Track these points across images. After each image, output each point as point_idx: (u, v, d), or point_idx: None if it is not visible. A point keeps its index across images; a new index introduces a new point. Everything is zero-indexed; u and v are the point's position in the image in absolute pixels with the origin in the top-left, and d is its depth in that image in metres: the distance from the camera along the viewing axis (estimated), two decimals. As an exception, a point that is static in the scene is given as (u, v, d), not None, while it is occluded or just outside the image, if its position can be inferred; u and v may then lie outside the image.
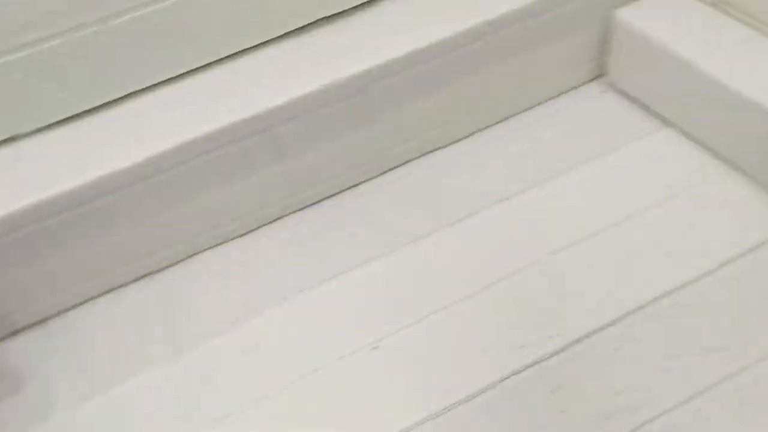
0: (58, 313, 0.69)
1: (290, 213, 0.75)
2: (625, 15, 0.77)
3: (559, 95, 0.84)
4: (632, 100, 0.81)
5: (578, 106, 0.82)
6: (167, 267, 0.71)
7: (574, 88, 0.85)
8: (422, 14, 0.73)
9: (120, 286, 0.70)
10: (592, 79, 0.85)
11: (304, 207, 0.75)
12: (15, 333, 0.68)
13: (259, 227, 0.74)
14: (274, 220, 0.74)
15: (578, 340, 0.59)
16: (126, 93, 0.68)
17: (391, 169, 0.78)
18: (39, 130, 0.67)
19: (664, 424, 0.53)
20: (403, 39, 0.70)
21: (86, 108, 0.68)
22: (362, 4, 0.74)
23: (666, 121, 0.77)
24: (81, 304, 0.70)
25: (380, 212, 0.73)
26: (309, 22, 0.73)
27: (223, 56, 0.71)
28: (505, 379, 0.57)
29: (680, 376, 0.56)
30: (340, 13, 0.73)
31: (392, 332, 0.61)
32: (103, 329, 0.67)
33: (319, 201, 0.76)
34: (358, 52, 0.69)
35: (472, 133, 0.81)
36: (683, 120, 0.75)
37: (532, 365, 0.58)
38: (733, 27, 0.73)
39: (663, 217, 0.68)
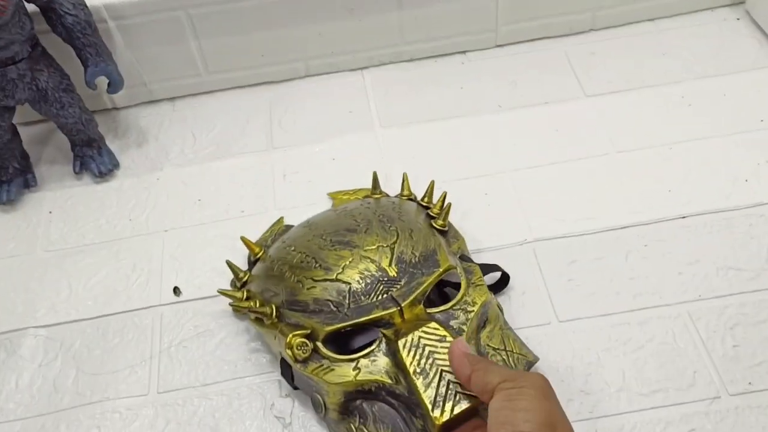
0: (188, 95, 0.82)
1: (401, 61, 0.83)
2: (776, -60, 0.75)
3: (696, 11, 0.84)
4: (763, 32, 0.80)
5: (710, 26, 0.82)
6: (285, 80, 0.82)
7: (711, 8, 0.84)
8: None
9: (243, 86, 0.82)
10: (732, 5, 0.84)
11: (411, 60, 0.82)
12: (150, 102, 0.82)
13: (366, 67, 0.83)
14: (382, 65, 0.82)
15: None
16: None
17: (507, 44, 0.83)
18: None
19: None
20: None
21: None
22: None
23: (787, 59, 0.76)
24: (208, 92, 0.82)
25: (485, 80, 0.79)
26: None
27: None
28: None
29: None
30: None
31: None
32: (219, 117, 0.79)
33: (425, 59, 0.82)
34: None
35: (616, 25, 0.84)
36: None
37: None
38: None
39: (737, 149, 0.69)
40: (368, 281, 0.52)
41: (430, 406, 0.46)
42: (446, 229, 0.59)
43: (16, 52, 0.64)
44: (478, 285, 0.55)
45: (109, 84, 0.70)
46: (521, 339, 0.55)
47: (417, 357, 0.47)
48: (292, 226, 0.64)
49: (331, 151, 0.74)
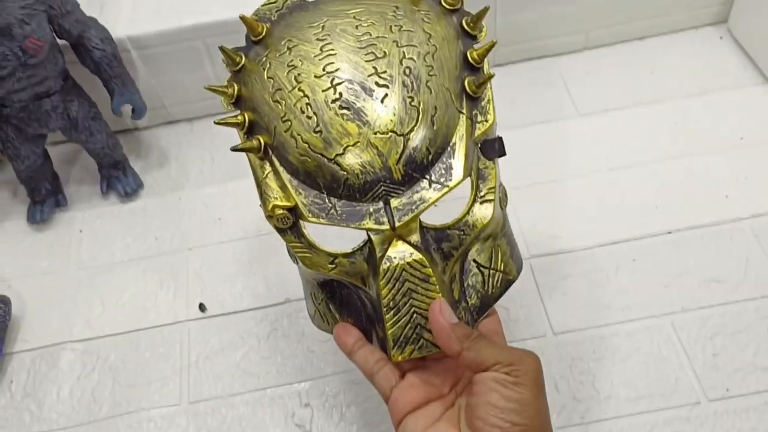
0: (205, 116, 0.86)
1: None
2: (757, -33, 0.80)
3: (680, 30, 0.89)
4: (744, 51, 0.85)
5: (693, 45, 0.87)
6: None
7: (695, 27, 0.89)
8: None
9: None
10: (714, 24, 0.89)
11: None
12: (169, 123, 0.87)
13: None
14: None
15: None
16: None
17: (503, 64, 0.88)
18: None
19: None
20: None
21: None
22: None
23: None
24: (221, 114, 0.87)
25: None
26: None
27: None
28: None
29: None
30: None
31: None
32: (235, 137, 0.84)
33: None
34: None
35: (608, 44, 0.89)
36: (782, 80, 0.79)
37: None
38: None
39: (718, 165, 0.74)
40: (368, 178, 0.44)
41: (391, 343, 0.46)
42: (478, 95, 0.48)
43: (50, 87, 0.69)
44: (487, 201, 0.48)
45: (133, 110, 0.75)
46: (513, 244, 0.53)
47: (394, 291, 0.45)
48: (305, 1, 0.52)
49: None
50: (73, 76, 0.73)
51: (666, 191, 0.73)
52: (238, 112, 0.49)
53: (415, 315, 0.45)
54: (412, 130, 0.44)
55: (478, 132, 0.47)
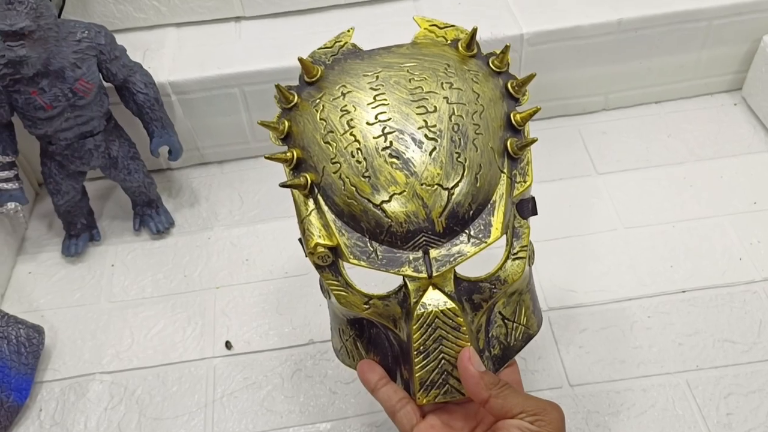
0: (235, 160, 0.90)
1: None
2: (771, 40, 0.84)
3: (696, 96, 0.92)
4: (758, 118, 0.88)
5: (710, 110, 0.90)
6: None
7: (711, 93, 0.92)
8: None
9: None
10: (729, 91, 0.92)
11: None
12: (201, 164, 0.90)
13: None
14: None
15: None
16: None
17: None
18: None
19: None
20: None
21: None
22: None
23: (780, 146, 0.84)
24: (254, 158, 0.90)
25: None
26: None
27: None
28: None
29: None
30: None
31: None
32: (263, 181, 0.87)
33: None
34: None
35: (626, 106, 0.92)
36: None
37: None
38: None
39: (732, 228, 0.77)
40: (411, 228, 0.46)
41: (418, 386, 0.47)
42: (519, 156, 0.50)
43: (95, 127, 0.72)
44: (519, 258, 0.49)
45: (170, 152, 0.78)
46: (535, 300, 0.55)
47: (426, 336, 0.47)
48: (359, 50, 0.54)
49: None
50: (115, 117, 0.76)
51: (680, 251, 0.75)
52: (287, 148, 0.51)
53: (443, 361, 0.47)
54: (456, 185, 0.46)
55: (516, 192, 0.49)
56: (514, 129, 0.51)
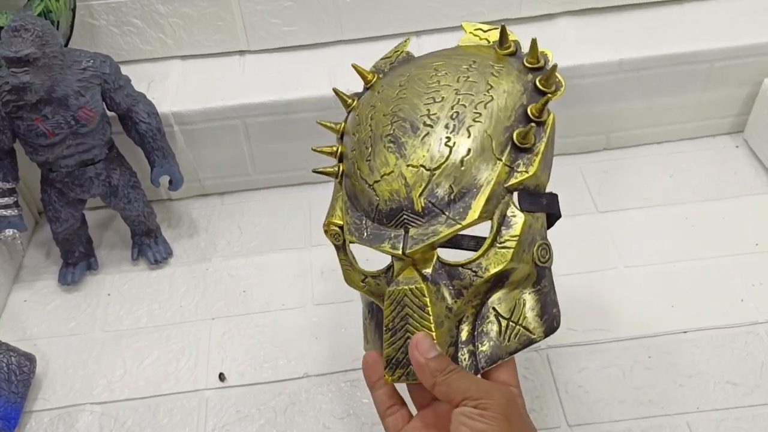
0: (236, 191, 0.90)
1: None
2: (771, 83, 0.84)
3: (698, 137, 0.93)
4: (759, 160, 0.88)
5: (711, 152, 0.91)
6: (322, 182, 0.90)
7: (712, 135, 0.93)
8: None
9: (286, 186, 0.90)
10: (730, 133, 0.92)
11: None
12: (202, 195, 0.90)
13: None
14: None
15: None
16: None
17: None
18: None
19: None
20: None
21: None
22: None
23: (782, 188, 0.84)
24: (255, 189, 0.90)
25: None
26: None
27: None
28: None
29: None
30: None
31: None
32: (263, 213, 0.87)
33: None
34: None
35: (627, 146, 0.92)
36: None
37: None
38: None
39: (733, 269, 0.76)
40: (394, 206, 0.48)
41: (385, 363, 0.48)
42: (527, 146, 0.49)
43: (96, 155, 0.73)
44: (504, 248, 0.48)
45: (170, 182, 0.78)
46: (547, 304, 0.51)
47: (394, 313, 0.47)
48: (411, 56, 0.58)
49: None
50: (117, 146, 0.77)
51: (681, 291, 0.74)
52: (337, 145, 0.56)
53: (407, 341, 0.47)
54: (439, 167, 0.48)
55: (513, 180, 0.48)
56: (532, 122, 0.50)
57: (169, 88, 0.83)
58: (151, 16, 0.84)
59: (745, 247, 0.78)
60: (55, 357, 0.73)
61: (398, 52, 0.59)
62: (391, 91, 0.52)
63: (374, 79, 0.56)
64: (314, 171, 0.56)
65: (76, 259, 0.80)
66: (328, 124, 0.57)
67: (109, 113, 0.74)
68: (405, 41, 0.60)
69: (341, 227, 0.52)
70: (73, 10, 0.75)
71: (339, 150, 0.55)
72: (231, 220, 0.87)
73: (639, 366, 0.68)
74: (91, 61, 0.69)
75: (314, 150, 0.56)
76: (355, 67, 0.57)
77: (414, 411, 0.51)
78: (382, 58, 0.59)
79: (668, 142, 0.92)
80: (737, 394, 0.66)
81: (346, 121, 0.56)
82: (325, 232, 0.54)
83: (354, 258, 0.53)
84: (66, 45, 0.75)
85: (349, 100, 0.57)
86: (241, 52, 0.89)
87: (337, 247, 0.54)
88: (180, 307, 0.77)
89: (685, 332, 0.71)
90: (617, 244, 0.80)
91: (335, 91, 0.57)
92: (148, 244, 0.81)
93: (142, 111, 0.75)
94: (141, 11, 0.83)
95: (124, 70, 0.74)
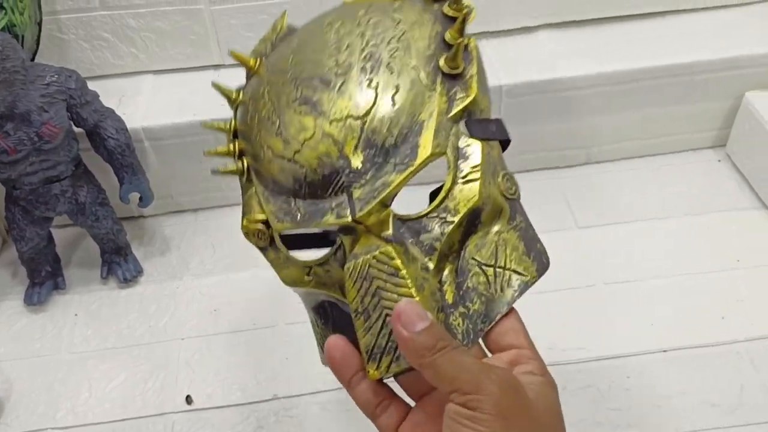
0: (211, 207, 0.88)
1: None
2: (752, 98, 0.83)
3: (680, 151, 0.91)
4: (742, 175, 0.86)
5: (694, 166, 0.89)
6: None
7: (694, 149, 0.91)
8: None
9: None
10: (713, 147, 0.91)
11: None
12: (175, 212, 0.88)
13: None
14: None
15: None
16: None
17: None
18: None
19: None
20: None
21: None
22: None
23: (765, 204, 0.82)
24: (230, 206, 0.88)
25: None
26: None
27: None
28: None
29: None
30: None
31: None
32: (238, 229, 0.85)
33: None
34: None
35: (609, 161, 0.91)
36: (778, 206, 0.81)
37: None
38: None
39: (714, 286, 0.75)
40: (326, 171, 0.41)
41: (366, 356, 0.39)
42: (457, 71, 0.43)
43: (62, 172, 0.71)
44: (471, 180, 0.42)
45: (140, 199, 0.77)
46: (531, 240, 0.44)
47: (362, 291, 0.39)
48: (293, 28, 0.51)
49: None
50: (85, 163, 0.75)
51: (661, 309, 0.73)
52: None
53: (386, 318, 0.38)
54: (368, 112, 0.41)
55: (456, 109, 0.42)
56: (451, 48, 0.43)
57: (141, 103, 0.81)
58: (123, 31, 0.82)
59: (727, 264, 0.77)
60: (19, 380, 0.71)
61: (277, 30, 0.50)
62: (283, 63, 0.45)
63: (257, 64, 0.48)
64: (213, 173, 0.48)
65: (43, 278, 0.78)
66: (216, 124, 0.48)
67: (76, 129, 0.72)
68: (282, 15, 0.51)
69: (266, 222, 0.43)
70: (39, 24, 0.74)
71: (236, 147, 0.46)
72: (205, 237, 0.85)
73: (617, 386, 0.67)
74: (56, 76, 0.68)
75: (206, 154, 0.48)
76: (233, 53, 0.48)
77: (411, 403, 0.41)
78: (260, 41, 0.50)
79: (650, 156, 0.91)
80: (717, 414, 0.64)
81: (235, 117, 0.48)
82: (246, 234, 0.44)
83: (288, 252, 0.45)
84: (32, 59, 0.74)
85: (234, 95, 0.48)
86: (216, 66, 0.87)
87: (262, 249, 0.45)
88: (149, 327, 0.75)
89: (664, 351, 0.69)
90: (597, 260, 0.78)
91: (214, 85, 0.48)
92: (117, 262, 0.80)
93: (110, 127, 0.73)
94: (112, 25, 0.82)
95: (95, 85, 0.73)
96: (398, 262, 0.38)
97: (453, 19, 0.45)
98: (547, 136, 0.87)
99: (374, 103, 0.41)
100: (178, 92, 0.83)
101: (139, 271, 0.80)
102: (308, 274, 0.43)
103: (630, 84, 0.83)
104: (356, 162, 0.41)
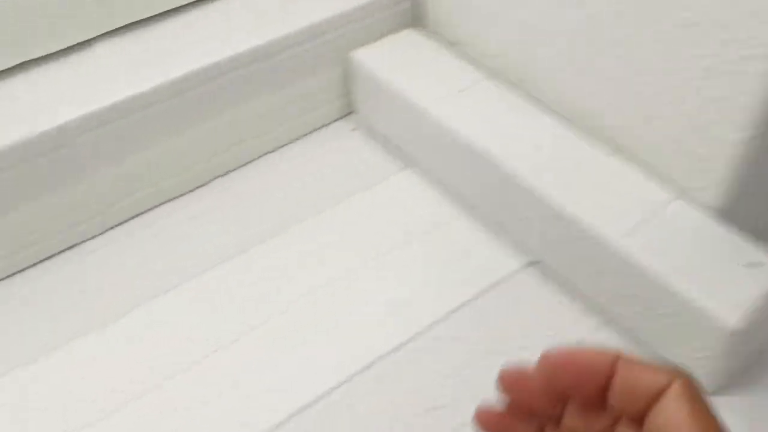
0: None
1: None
2: (360, 56, 0.75)
3: (311, 132, 0.81)
4: (378, 139, 0.79)
5: (327, 145, 0.80)
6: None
7: (326, 125, 0.82)
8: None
9: None
10: (343, 117, 0.83)
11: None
12: None
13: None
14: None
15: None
16: None
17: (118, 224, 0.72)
18: None
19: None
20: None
21: None
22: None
23: (408, 162, 0.76)
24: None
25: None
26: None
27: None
28: None
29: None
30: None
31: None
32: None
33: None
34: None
35: (214, 178, 0.76)
36: (421, 161, 0.74)
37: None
38: (466, 70, 0.73)
39: (394, 268, 0.67)
40: None
41: None
42: None
43: None
44: None
45: None
46: None
47: None
48: None
49: None
50: None
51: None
52: None
53: None
54: None
55: None
56: None
57: None
58: None
59: (393, 241, 0.69)
60: None
61: None
62: None
63: None
64: None
65: None
66: None
67: None
68: None
69: None
70: None
71: None
72: None
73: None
74: None
75: None
76: None
77: None
78: None
79: (277, 151, 0.79)
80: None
81: None
82: None
83: None
84: None
85: None
86: None
87: None
88: None
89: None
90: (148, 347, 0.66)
91: None
92: None
93: None
94: None
95: None
96: None
97: None
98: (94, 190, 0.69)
99: None
100: None
101: None
102: None
103: (215, 81, 0.69)
104: None
